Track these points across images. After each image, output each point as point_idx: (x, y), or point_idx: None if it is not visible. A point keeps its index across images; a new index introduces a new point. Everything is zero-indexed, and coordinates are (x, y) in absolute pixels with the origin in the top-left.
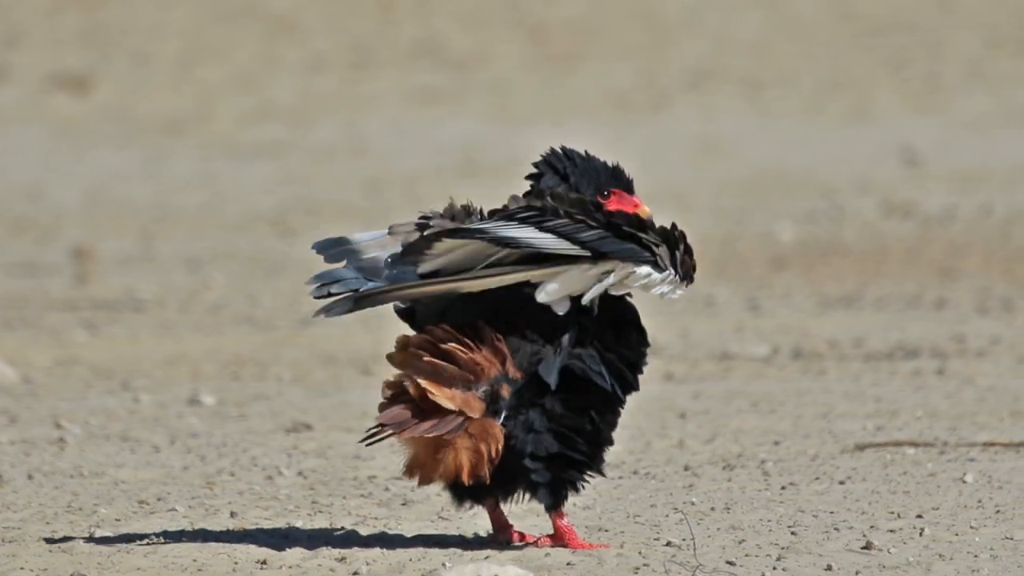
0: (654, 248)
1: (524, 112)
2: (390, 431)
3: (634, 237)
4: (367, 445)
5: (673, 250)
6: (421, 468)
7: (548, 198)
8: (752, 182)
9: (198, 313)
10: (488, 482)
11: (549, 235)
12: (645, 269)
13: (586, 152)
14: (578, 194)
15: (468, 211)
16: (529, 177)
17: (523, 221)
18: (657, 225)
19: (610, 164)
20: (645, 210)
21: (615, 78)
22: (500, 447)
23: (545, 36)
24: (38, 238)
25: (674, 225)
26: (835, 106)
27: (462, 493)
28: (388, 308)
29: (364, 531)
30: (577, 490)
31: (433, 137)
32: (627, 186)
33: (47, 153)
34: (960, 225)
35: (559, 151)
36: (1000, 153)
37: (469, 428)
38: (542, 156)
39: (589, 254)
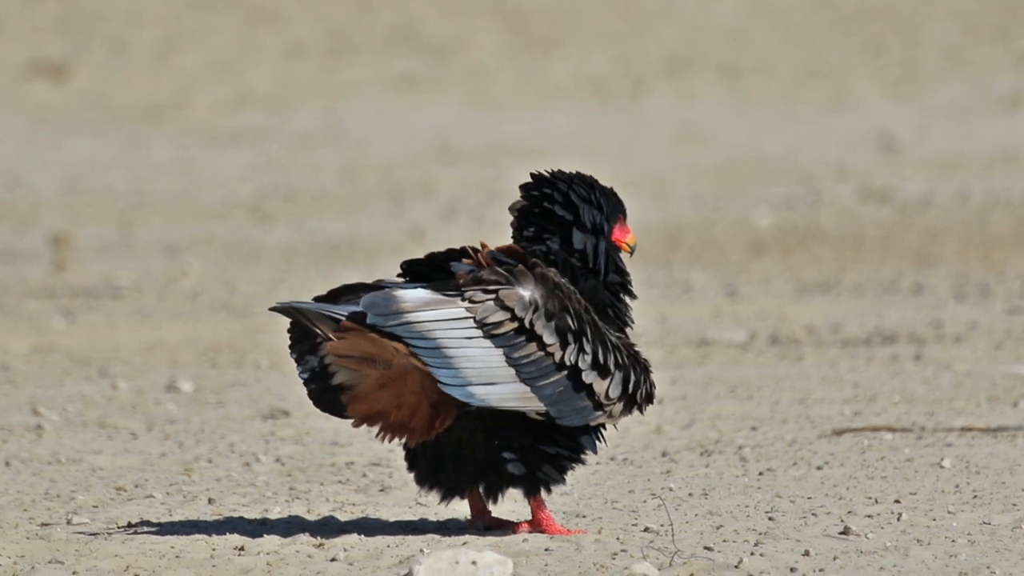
0: (605, 404)
1: (501, 99)
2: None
3: (591, 392)
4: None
5: (628, 386)
6: (367, 403)
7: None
8: (729, 168)
9: (176, 300)
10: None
11: (512, 374)
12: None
13: (580, 175)
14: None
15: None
16: (548, 205)
17: (493, 334)
18: (633, 353)
19: (608, 189)
20: (632, 238)
21: (592, 65)
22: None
23: (522, 23)
24: (16, 225)
25: (638, 359)
26: (812, 93)
27: (444, 484)
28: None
29: (342, 517)
30: (562, 481)
31: (410, 123)
32: (625, 213)
33: (25, 140)
34: (937, 211)
35: (572, 177)
36: (977, 139)
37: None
38: (552, 181)
39: (543, 409)
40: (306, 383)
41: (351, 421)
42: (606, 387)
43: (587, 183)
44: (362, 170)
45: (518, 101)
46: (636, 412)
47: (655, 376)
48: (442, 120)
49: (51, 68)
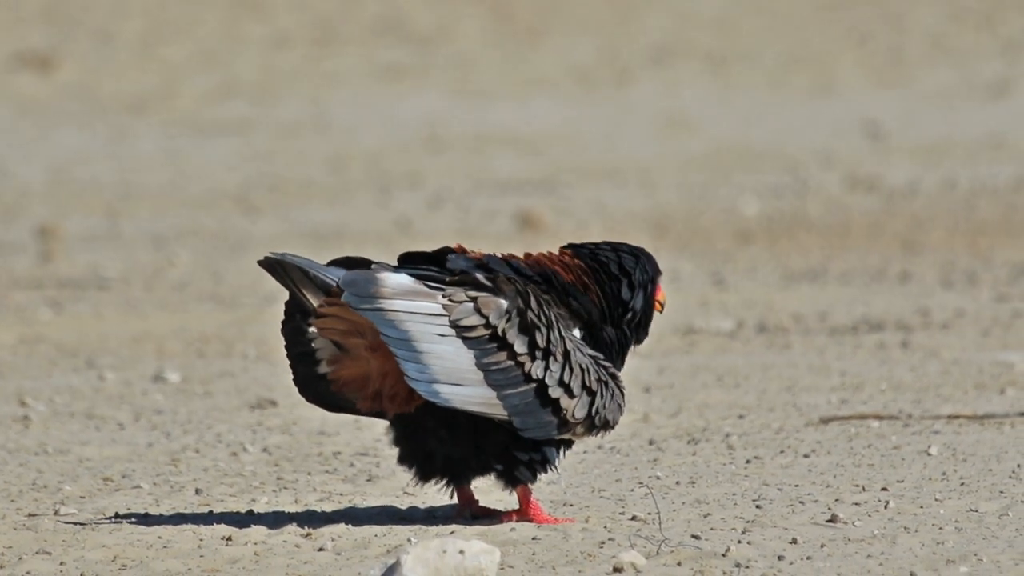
0: (570, 422)
1: (487, 87)
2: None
3: (557, 408)
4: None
5: (591, 409)
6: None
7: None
8: (716, 157)
9: (163, 291)
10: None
11: (480, 378)
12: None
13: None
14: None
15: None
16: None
17: (465, 336)
18: (602, 370)
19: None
20: (663, 296)
21: (578, 53)
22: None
23: (508, 11)
24: (2, 217)
25: (607, 384)
26: (798, 80)
27: (429, 472)
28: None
29: (329, 507)
30: (534, 479)
31: (397, 113)
32: (660, 274)
33: (11, 132)
34: (924, 198)
35: (619, 249)
36: (963, 126)
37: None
38: (619, 254)
39: (507, 418)
40: (292, 368)
41: (332, 385)
42: (573, 406)
43: (631, 252)
44: (348, 160)
45: (504, 90)
46: (598, 436)
47: (629, 390)
48: (428, 109)
49: (36, 59)
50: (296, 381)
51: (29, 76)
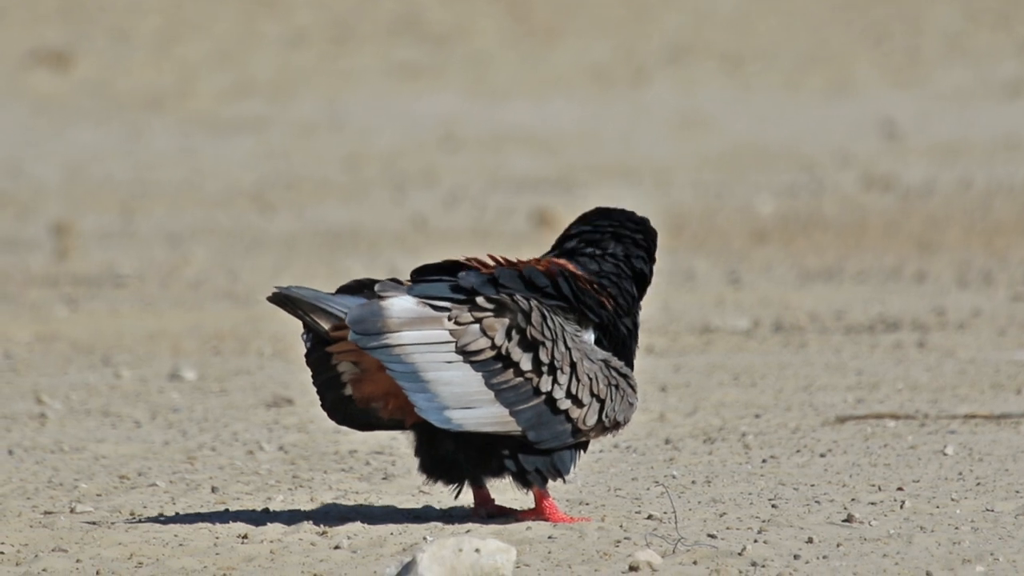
0: (582, 429)
1: (504, 87)
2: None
3: (568, 417)
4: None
5: (601, 415)
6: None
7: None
8: (732, 156)
9: (179, 288)
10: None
11: (491, 397)
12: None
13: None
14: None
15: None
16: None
17: (473, 360)
18: (609, 371)
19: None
20: None
21: (595, 53)
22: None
23: (525, 11)
24: (18, 214)
25: (619, 385)
26: (815, 80)
27: (440, 473)
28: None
29: (345, 505)
30: (548, 480)
31: (413, 112)
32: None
33: (27, 129)
34: (940, 198)
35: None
36: (979, 126)
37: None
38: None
39: (520, 432)
40: (320, 395)
41: (357, 403)
42: (583, 415)
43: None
44: (364, 158)
45: (520, 89)
46: (612, 435)
47: (643, 388)
48: (444, 108)
49: (53, 57)
50: (324, 407)
51: (45, 73)
